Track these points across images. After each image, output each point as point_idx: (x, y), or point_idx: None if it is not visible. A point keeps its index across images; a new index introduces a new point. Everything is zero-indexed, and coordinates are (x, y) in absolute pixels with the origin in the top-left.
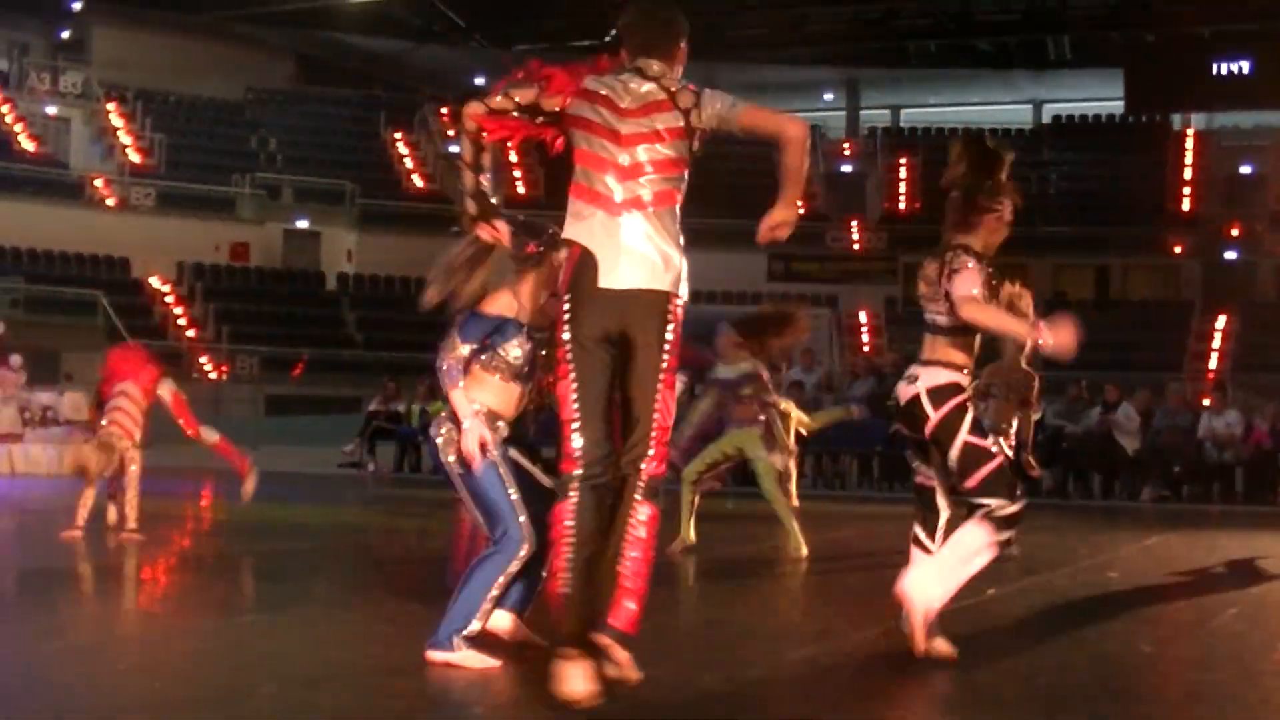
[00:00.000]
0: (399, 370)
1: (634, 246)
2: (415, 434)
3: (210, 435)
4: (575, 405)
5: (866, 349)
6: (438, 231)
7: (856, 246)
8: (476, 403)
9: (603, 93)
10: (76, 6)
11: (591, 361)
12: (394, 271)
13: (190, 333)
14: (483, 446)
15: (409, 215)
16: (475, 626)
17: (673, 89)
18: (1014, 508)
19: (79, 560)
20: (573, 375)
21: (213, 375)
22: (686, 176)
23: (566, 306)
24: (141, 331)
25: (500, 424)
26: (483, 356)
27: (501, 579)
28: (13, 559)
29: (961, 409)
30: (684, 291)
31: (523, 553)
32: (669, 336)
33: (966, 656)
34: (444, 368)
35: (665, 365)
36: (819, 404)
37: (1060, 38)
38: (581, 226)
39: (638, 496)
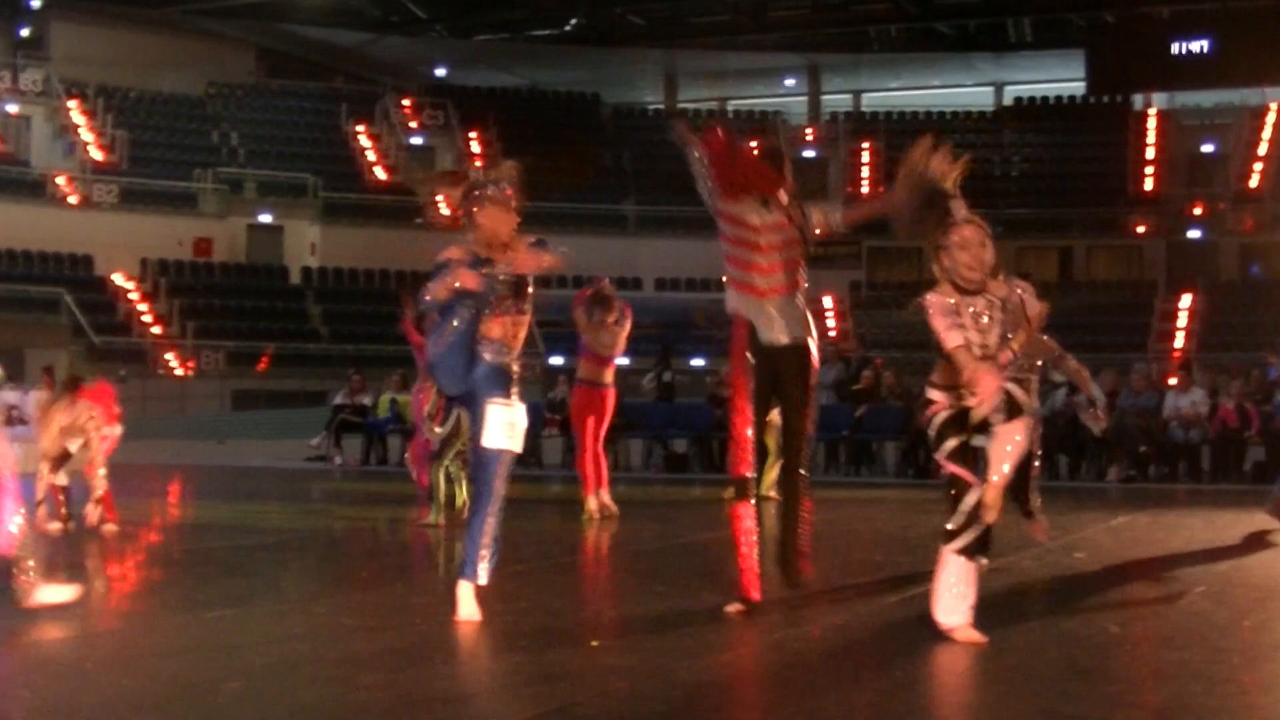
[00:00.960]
0: (364, 363)
1: (779, 316)
2: (383, 426)
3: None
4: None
5: (833, 334)
6: (401, 223)
7: (819, 231)
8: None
9: (750, 218)
10: (35, 3)
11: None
12: (358, 264)
13: (155, 329)
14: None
15: (372, 207)
16: (486, 565)
17: (792, 214)
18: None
19: (41, 558)
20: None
21: (178, 371)
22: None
23: (745, 359)
24: (105, 329)
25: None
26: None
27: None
28: None
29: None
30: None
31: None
32: (811, 375)
33: (933, 640)
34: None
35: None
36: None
37: (1020, 20)
38: (741, 302)
39: (804, 488)
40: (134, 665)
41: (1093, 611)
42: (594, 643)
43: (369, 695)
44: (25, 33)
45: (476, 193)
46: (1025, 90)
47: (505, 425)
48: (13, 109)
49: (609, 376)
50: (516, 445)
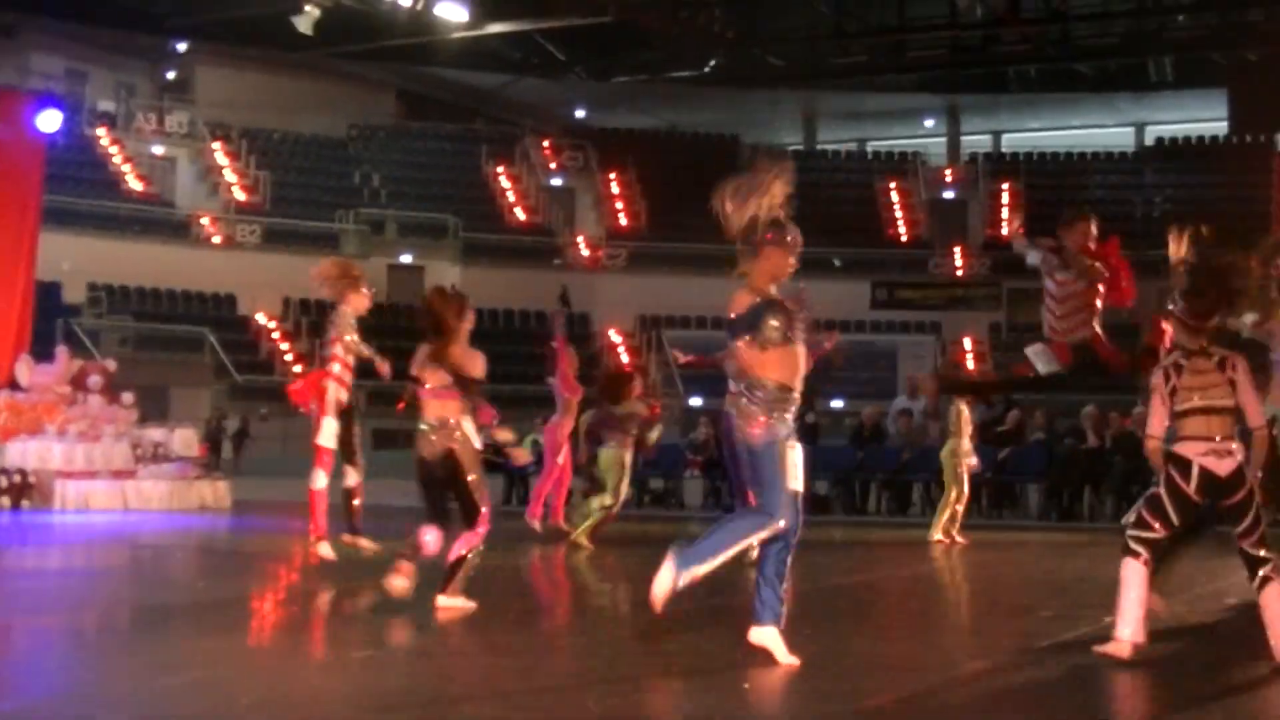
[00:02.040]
0: (504, 403)
1: None
2: (526, 468)
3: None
4: None
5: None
6: (540, 264)
7: (960, 273)
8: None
9: None
10: (181, 47)
11: None
12: (498, 304)
13: (297, 368)
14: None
15: (512, 248)
16: (702, 570)
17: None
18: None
19: (193, 594)
20: None
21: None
22: None
23: None
24: (248, 367)
25: (792, 394)
26: (754, 339)
27: (746, 540)
28: (127, 593)
29: None
30: None
31: (778, 525)
32: None
33: (1091, 685)
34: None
35: None
36: (926, 433)
37: (1162, 60)
38: None
39: None
40: (288, 704)
41: (1250, 657)
42: (745, 685)
43: None
44: (171, 76)
45: (771, 234)
46: (1167, 130)
47: (797, 466)
48: (159, 151)
49: None
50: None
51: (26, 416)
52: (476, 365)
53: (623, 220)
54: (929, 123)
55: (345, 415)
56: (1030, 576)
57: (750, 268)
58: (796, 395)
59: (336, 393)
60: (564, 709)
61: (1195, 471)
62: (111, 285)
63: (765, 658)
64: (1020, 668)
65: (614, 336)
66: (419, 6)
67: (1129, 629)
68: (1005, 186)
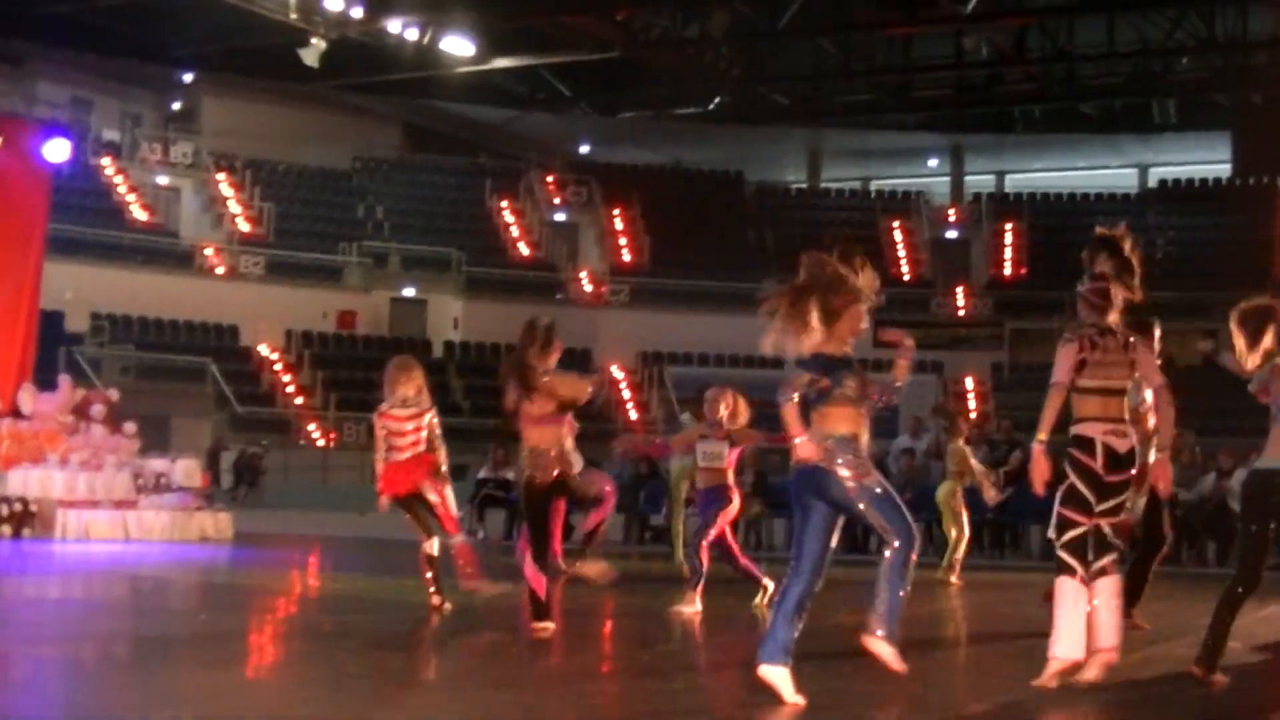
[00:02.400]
0: (507, 437)
1: None
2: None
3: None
4: None
5: (974, 415)
6: (543, 298)
7: (962, 313)
8: (833, 435)
9: None
10: (187, 78)
11: None
12: (500, 339)
13: (298, 400)
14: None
15: (515, 282)
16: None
17: None
18: None
19: (195, 626)
20: None
21: (320, 442)
22: None
23: None
24: (250, 398)
25: (861, 443)
26: (829, 395)
27: (910, 572)
28: (128, 624)
29: None
30: None
31: (918, 542)
32: None
33: None
34: (792, 399)
35: None
36: (929, 472)
37: (1165, 101)
38: None
39: None
40: None
41: (1251, 700)
42: None
43: None
44: (177, 106)
45: (850, 293)
46: (1170, 172)
47: None
48: (163, 181)
49: None
50: None
51: (29, 445)
52: (579, 389)
53: (626, 256)
54: (933, 162)
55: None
56: (1032, 617)
57: (833, 326)
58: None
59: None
60: None
61: (1099, 448)
62: (114, 315)
63: (771, 697)
64: (1026, 711)
65: (615, 372)
66: (425, 40)
67: (1064, 648)
68: (1008, 226)
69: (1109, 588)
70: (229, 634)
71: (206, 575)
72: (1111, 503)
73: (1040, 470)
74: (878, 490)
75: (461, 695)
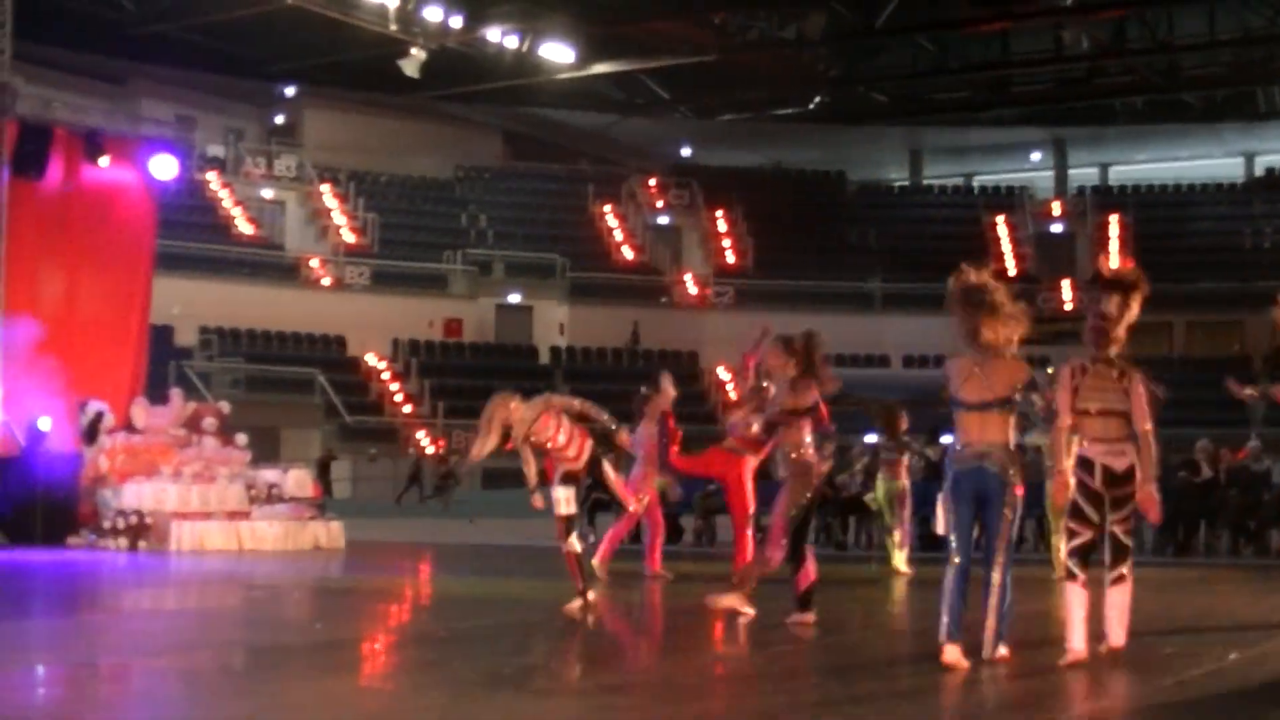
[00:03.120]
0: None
1: None
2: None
3: None
4: None
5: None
6: (647, 302)
7: (1068, 307)
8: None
9: None
10: (289, 92)
11: None
12: (606, 343)
13: (406, 408)
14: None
15: (619, 287)
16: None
17: None
18: None
19: (310, 635)
20: None
21: (429, 450)
22: None
23: None
24: (358, 408)
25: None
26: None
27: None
28: (243, 634)
29: None
30: None
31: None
32: None
33: None
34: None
35: None
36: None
37: (1270, 89)
38: None
39: None
40: None
41: None
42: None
43: None
44: (279, 120)
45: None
46: (1276, 161)
47: None
48: (268, 194)
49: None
50: None
51: (142, 459)
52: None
53: (729, 258)
54: (1035, 156)
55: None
56: (1149, 613)
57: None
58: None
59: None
60: None
61: (1098, 468)
62: (222, 328)
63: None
64: (1142, 708)
65: (722, 374)
66: (524, 48)
67: (1077, 641)
68: (1113, 219)
69: (1120, 594)
70: (343, 642)
71: (320, 584)
72: (1121, 512)
73: (1060, 489)
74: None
75: (583, 700)
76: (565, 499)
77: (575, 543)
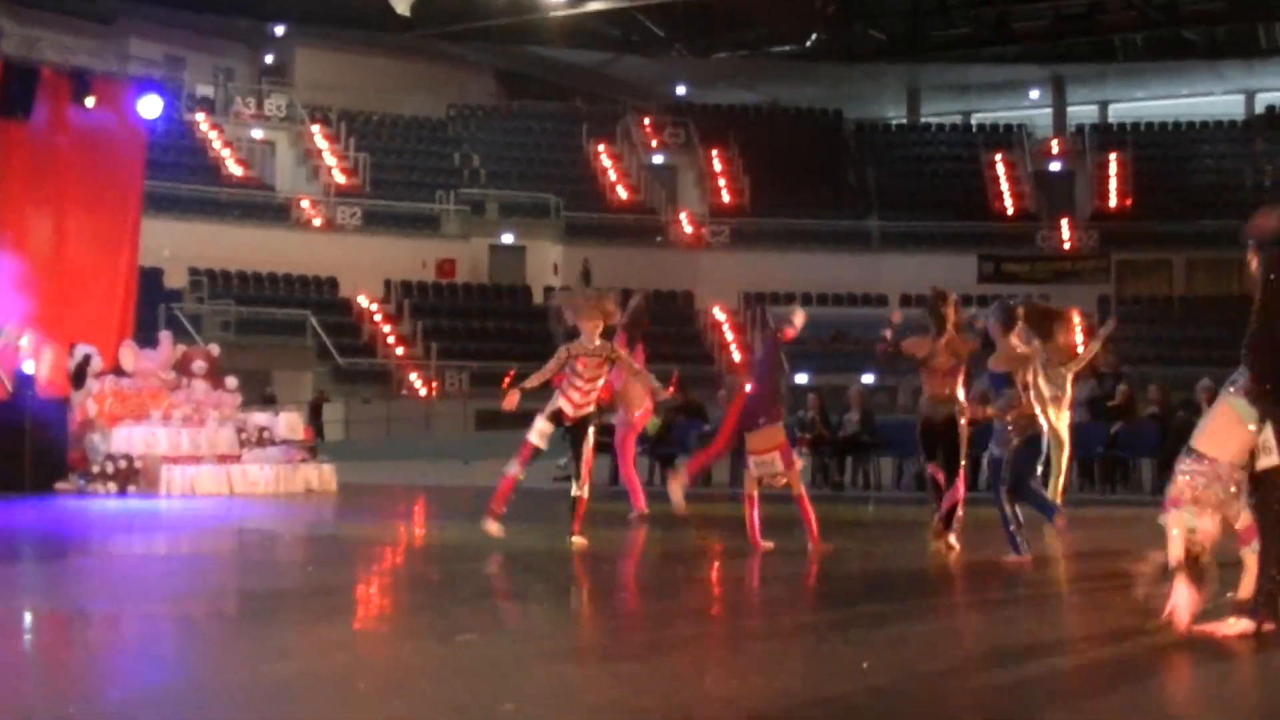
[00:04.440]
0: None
1: None
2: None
3: None
4: None
5: (1081, 349)
6: (643, 242)
7: (1067, 246)
8: None
9: None
10: (279, 31)
11: None
12: (601, 283)
13: (399, 350)
14: None
15: (614, 226)
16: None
17: None
18: None
19: (303, 580)
20: None
21: (422, 392)
22: None
23: None
24: (350, 350)
25: None
26: None
27: None
28: (236, 580)
29: None
30: None
31: None
32: None
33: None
34: None
35: None
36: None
37: (1272, 26)
38: None
39: None
40: (405, 687)
41: None
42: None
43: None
44: (269, 60)
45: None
46: (1278, 98)
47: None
48: (258, 135)
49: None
50: None
51: (132, 402)
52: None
53: (725, 197)
54: (1034, 94)
55: (574, 426)
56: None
57: None
58: None
59: (558, 401)
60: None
61: None
62: (213, 270)
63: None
64: (1142, 647)
65: (718, 314)
66: None
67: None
68: (1113, 157)
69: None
70: (336, 587)
71: (312, 528)
72: None
73: None
74: None
75: (582, 642)
76: (542, 433)
77: (517, 468)
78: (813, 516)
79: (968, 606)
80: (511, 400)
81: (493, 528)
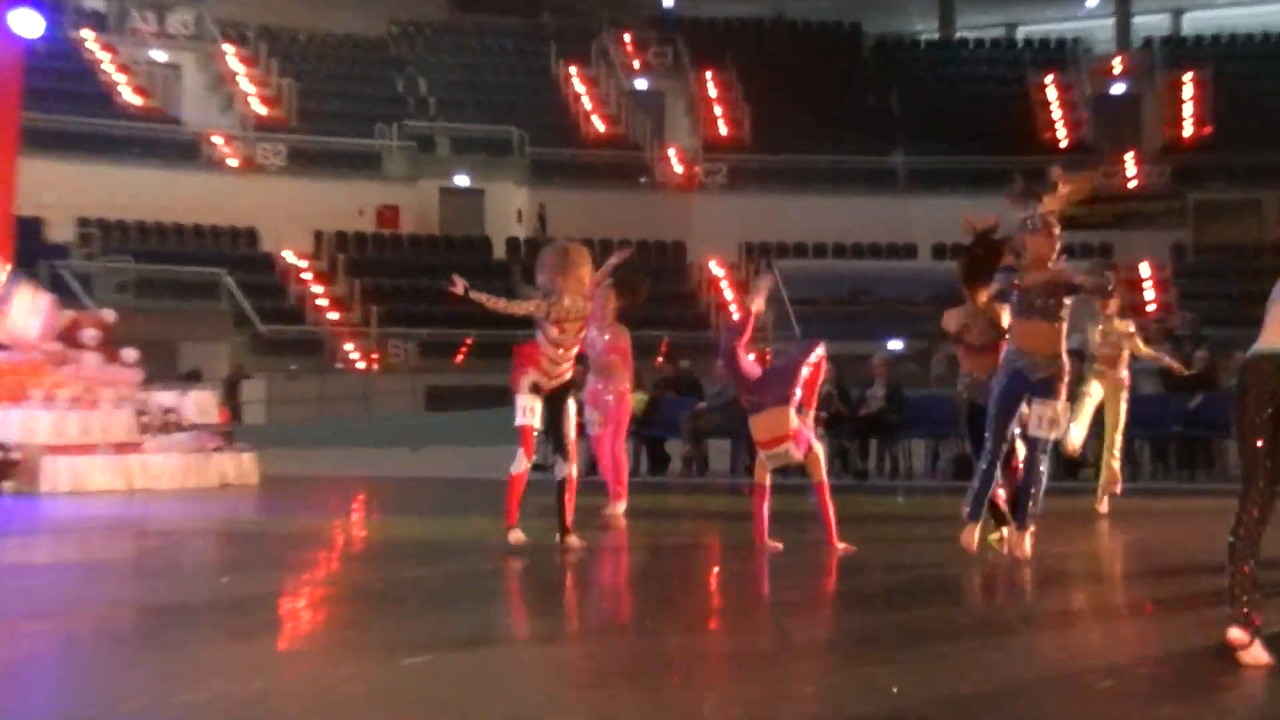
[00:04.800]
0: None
1: None
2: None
3: None
4: None
5: (1153, 308)
6: (624, 184)
7: (1133, 184)
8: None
9: None
10: None
11: None
12: (575, 232)
13: (332, 315)
14: None
15: (589, 166)
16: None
17: None
18: None
19: (216, 591)
20: None
21: (361, 365)
22: None
23: None
24: (273, 315)
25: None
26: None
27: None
28: (135, 591)
29: None
30: None
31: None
32: None
33: None
34: None
35: None
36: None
37: None
38: None
39: None
40: (341, 717)
41: None
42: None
43: None
44: None
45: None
46: None
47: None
48: (160, 57)
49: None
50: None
51: (7, 381)
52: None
53: (722, 129)
54: (1091, 2)
55: (552, 397)
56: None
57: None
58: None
59: (535, 377)
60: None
61: None
62: (106, 220)
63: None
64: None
65: (714, 269)
66: None
67: None
68: (1187, 77)
69: None
70: (258, 598)
71: (229, 528)
72: None
73: None
74: None
75: (544, 666)
76: (531, 409)
77: (524, 463)
78: (832, 511)
79: (1018, 619)
80: (459, 287)
81: (516, 536)
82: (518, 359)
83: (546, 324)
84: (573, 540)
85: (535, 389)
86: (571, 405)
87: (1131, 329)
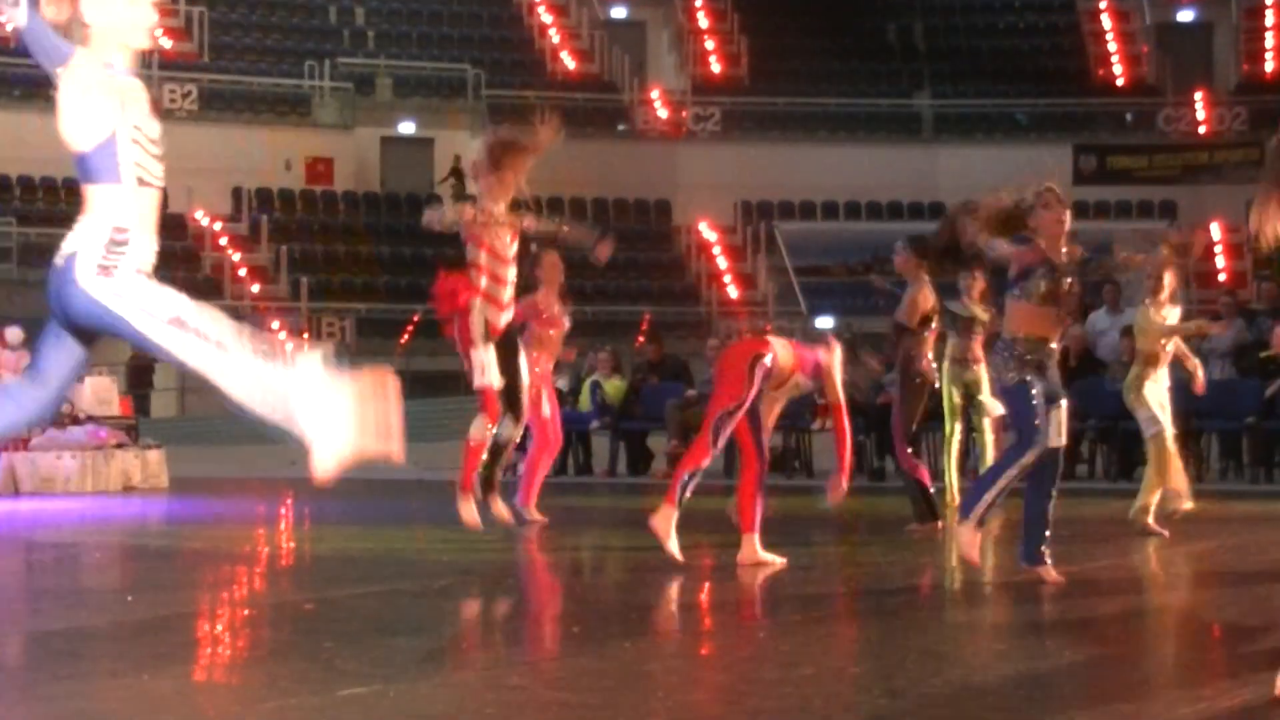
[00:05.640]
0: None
1: None
2: (585, 421)
3: None
4: None
5: (1224, 277)
6: (599, 131)
7: (1203, 129)
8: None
9: None
10: None
11: None
12: (541, 191)
13: (254, 287)
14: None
15: (558, 110)
16: (984, 504)
17: None
18: None
19: (118, 613)
20: None
21: (288, 346)
22: None
23: None
24: (185, 285)
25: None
26: (1016, 290)
27: (1014, 469)
28: (19, 616)
29: None
30: None
31: (1035, 451)
32: None
33: None
34: None
35: None
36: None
37: None
38: None
39: None
40: None
41: None
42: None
43: None
44: None
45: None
46: None
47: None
48: None
49: None
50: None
51: None
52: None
53: (714, 67)
54: None
55: (503, 344)
56: None
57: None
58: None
59: (483, 311)
60: None
61: None
62: None
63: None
64: None
65: (705, 232)
66: None
67: None
68: (1270, 2)
69: None
70: (169, 622)
71: (134, 540)
72: None
73: None
74: None
75: (495, 695)
76: (486, 365)
77: (484, 428)
78: (849, 442)
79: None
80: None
81: (468, 514)
82: (452, 288)
83: (484, 233)
84: (501, 509)
85: (488, 335)
86: (522, 350)
87: (1170, 321)
